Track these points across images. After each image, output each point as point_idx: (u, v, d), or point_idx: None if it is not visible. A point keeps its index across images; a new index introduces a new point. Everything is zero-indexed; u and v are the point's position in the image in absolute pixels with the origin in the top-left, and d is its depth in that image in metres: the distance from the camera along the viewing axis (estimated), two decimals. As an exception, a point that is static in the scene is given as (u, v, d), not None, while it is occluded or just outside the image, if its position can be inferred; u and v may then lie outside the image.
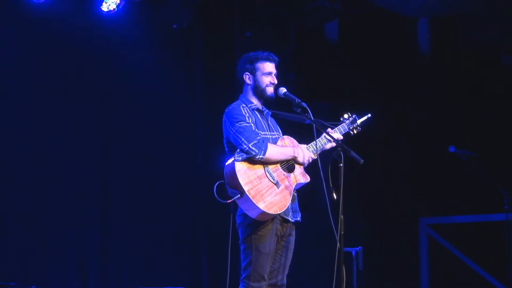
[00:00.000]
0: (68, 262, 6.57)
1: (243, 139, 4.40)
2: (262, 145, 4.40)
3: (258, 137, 4.43)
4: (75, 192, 6.68)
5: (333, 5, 7.78)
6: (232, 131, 4.47)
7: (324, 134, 4.59)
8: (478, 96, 8.68)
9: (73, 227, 6.64)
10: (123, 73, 7.02)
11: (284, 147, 4.53)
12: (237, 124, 4.46)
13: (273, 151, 4.44)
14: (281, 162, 4.48)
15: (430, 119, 8.65)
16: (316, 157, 4.58)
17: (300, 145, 4.59)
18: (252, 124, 4.49)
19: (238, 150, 4.42)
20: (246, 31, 7.75)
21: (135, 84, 7.10)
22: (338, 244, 4.25)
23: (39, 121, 6.53)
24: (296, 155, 4.51)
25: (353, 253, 6.44)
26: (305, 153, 4.54)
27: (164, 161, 7.28)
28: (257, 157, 4.38)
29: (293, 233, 4.59)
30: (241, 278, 4.46)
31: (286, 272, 4.57)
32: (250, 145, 4.38)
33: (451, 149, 6.87)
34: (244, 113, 4.53)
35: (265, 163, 4.42)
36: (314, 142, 4.59)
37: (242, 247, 4.50)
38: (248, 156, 4.38)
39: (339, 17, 8.22)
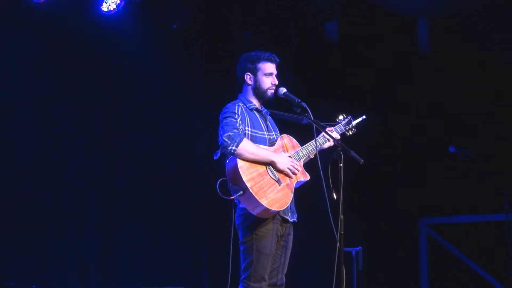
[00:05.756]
0: (68, 262, 6.56)
1: (221, 132, 4.36)
2: (236, 137, 4.31)
3: (235, 130, 4.35)
4: (75, 191, 6.68)
5: (333, 5, 7.78)
6: (219, 127, 4.43)
7: (321, 134, 4.58)
8: (478, 96, 8.68)
9: (73, 227, 6.63)
10: (123, 73, 7.00)
11: (261, 148, 4.42)
12: (224, 120, 4.42)
13: (248, 147, 4.32)
14: (257, 162, 4.35)
15: (430, 119, 8.65)
16: (304, 161, 4.55)
17: (285, 153, 4.51)
18: (238, 121, 4.43)
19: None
20: (246, 31, 7.74)
21: (135, 84, 7.09)
22: (338, 244, 4.24)
23: (39, 121, 6.52)
24: (274, 160, 4.40)
25: (353, 253, 6.44)
26: (286, 161, 4.42)
27: (164, 161, 7.27)
28: (229, 148, 4.29)
29: (292, 232, 4.57)
30: (241, 278, 4.44)
31: (285, 271, 4.55)
32: (224, 136, 4.32)
33: (451, 149, 6.87)
34: (236, 111, 4.47)
35: (241, 158, 4.31)
36: (308, 143, 4.57)
37: (242, 248, 4.46)
38: (225, 151, 4.32)
39: (339, 17, 8.22)
